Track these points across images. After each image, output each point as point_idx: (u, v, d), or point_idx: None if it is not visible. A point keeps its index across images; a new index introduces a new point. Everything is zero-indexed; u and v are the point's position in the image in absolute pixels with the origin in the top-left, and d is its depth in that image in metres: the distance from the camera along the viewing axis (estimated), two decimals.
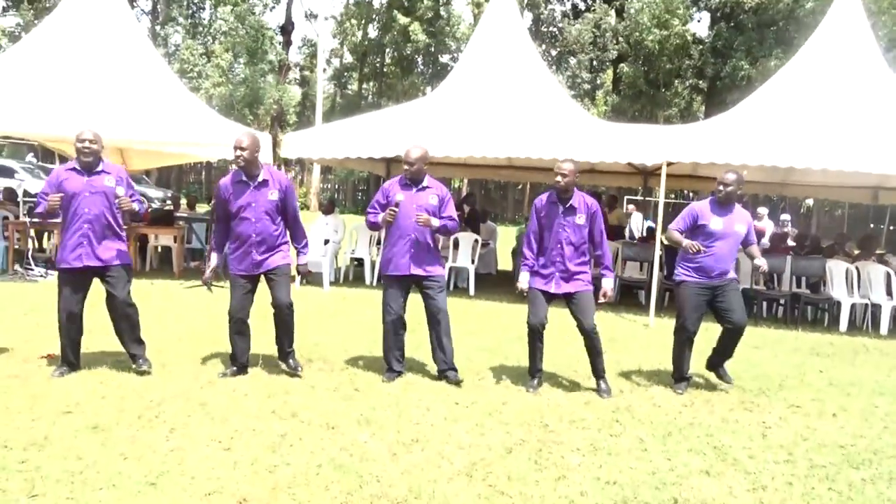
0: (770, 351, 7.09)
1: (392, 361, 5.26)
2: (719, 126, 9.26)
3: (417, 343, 5.49)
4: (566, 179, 4.96)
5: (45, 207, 4.73)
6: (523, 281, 5.15)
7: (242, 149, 4.85)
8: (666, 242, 6.89)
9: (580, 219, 5.03)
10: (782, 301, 9.55)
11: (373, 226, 5.32)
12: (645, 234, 12.24)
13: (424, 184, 5.19)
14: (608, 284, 5.15)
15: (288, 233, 5.16)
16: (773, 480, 3.70)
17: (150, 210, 11.19)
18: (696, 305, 5.29)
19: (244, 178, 4.94)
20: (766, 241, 11.73)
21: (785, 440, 4.36)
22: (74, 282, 4.82)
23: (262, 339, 5.34)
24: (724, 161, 8.18)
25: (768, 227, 13.42)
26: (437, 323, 5.22)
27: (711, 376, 5.74)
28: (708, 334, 5.61)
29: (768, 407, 5.06)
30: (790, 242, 11.51)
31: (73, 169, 4.83)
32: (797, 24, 28.87)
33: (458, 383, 5.14)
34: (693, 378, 5.53)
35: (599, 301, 5.11)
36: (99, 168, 4.85)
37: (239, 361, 5.11)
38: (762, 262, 5.29)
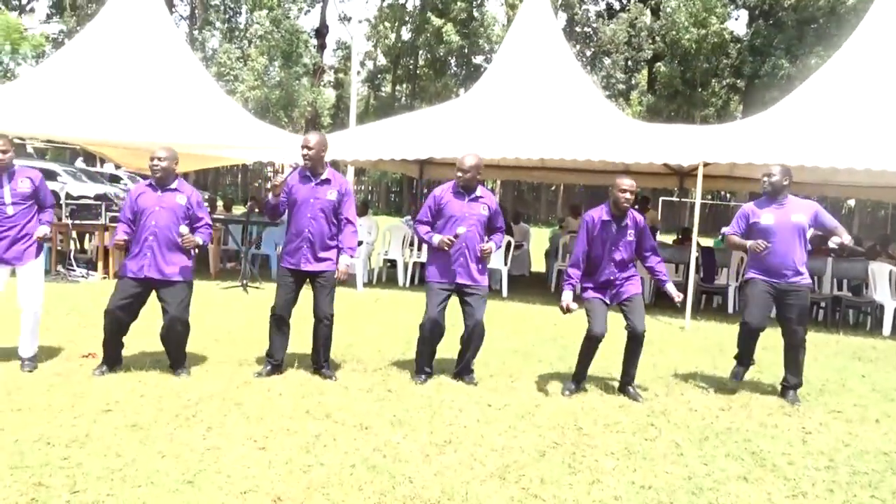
0: (810, 355, 6.87)
1: (424, 364, 5.25)
2: (757, 126, 9.11)
3: (451, 345, 5.49)
4: (633, 197, 4.86)
5: (114, 244, 4.97)
6: (567, 298, 4.93)
7: (309, 148, 4.95)
8: (713, 245, 6.76)
9: (630, 235, 4.96)
10: (823, 304, 9.35)
11: (425, 242, 5.28)
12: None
13: (478, 193, 5.16)
14: (672, 289, 5.01)
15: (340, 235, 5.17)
16: (813, 487, 3.63)
17: None
18: (761, 301, 5.16)
19: (308, 174, 5.03)
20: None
21: (826, 446, 4.26)
22: (131, 290, 4.88)
23: (298, 339, 5.38)
24: (762, 161, 8.02)
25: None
26: (471, 333, 5.17)
27: (749, 382, 5.64)
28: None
29: (808, 412, 4.96)
30: (831, 244, 11.25)
31: (150, 185, 4.98)
32: (838, 21, 28.30)
33: (474, 384, 5.17)
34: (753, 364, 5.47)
35: (676, 302, 5.07)
36: (173, 186, 4.96)
37: (275, 358, 5.15)
38: (842, 239, 5.10)
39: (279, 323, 5.12)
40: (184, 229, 4.88)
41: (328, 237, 5.05)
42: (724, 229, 5.41)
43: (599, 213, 4.97)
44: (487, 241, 5.20)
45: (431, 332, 5.15)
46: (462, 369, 5.29)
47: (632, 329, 4.94)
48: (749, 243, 5.10)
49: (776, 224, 5.09)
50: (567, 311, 4.88)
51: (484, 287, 5.20)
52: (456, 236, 4.98)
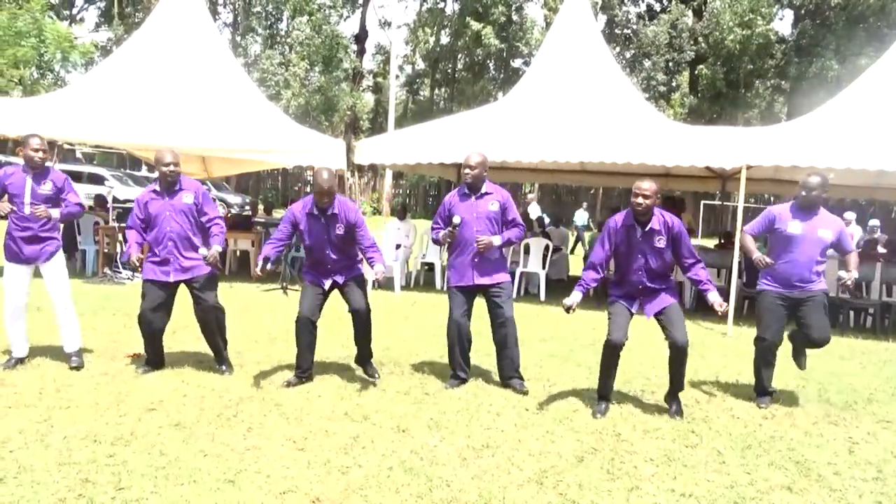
0: (857, 363, 6.75)
1: (456, 368, 5.22)
2: (803, 127, 8.90)
3: (487, 350, 5.48)
4: (648, 202, 4.47)
5: (127, 257, 4.99)
6: (573, 300, 4.55)
7: (331, 194, 4.85)
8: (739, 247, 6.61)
9: (660, 241, 4.58)
10: (871, 310, 9.09)
11: (436, 242, 5.33)
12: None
13: (484, 190, 5.11)
14: (716, 298, 4.52)
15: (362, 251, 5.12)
16: (860, 499, 3.53)
17: (229, 216, 11.55)
18: (776, 316, 4.99)
19: (315, 212, 4.93)
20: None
21: (874, 457, 4.14)
22: (159, 293, 4.98)
23: (335, 342, 5.43)
24: (807, 164, 7.85)
25: (856, 232, 12.82)
26: (503, 331, 5.15)
27: (793, 389, 5.52)
28: (788, 349, 5.38)
29: (855, 421, 4.82)
30: (880, 249, 10.96)
31: (154, 191, 5.03)
32: (888, 21, 27.55)
33: (524, 392, 5.06)
34: (776, 392, 5.24)
35: (718, 313, 4.49)
36: (177, 188, 5.02)
37: (303, 369, 5.04)
38: (846, 276, 4.91)
39: (308, 328, 4.96)
40: (203, 251, 4.96)
41: (349, 260, 5.06)
42: (745, 227, 5.20)
43: (622, 217, 4.67)
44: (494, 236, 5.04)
45: (457, 335, 5.13)
46: (510, 375, 5.21)
47: (672, 342, 4.59)
48: (755, 256, 4.91)
49: (801, 235, 4.90)
50: (569, 310, 4.57)
51: (506, 283, 5.15)
52: (455, 227, 4.98)
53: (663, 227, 4.60)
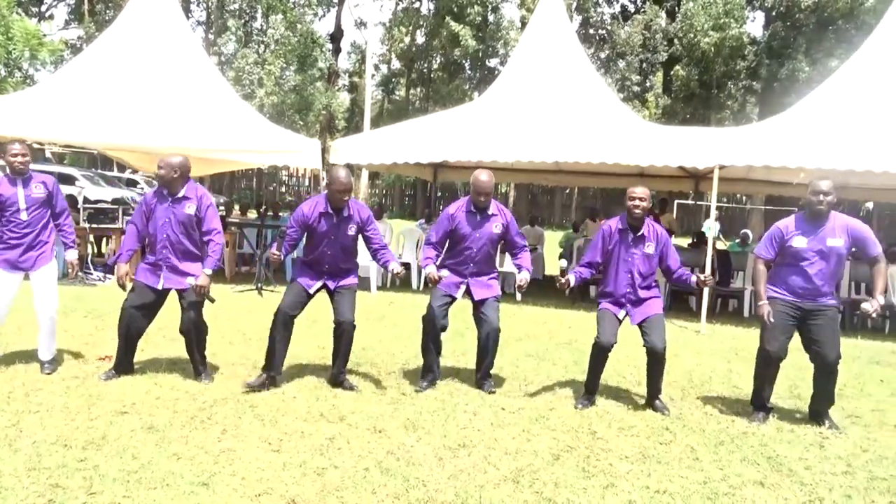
0: None
1: (426, 369, 5.18)
2: (774, 128, 9.03)
3: (464, 349, 5.49)
4: (645, 203, 4.72)
5: (114, 262, 4.88)
6: (570, 279, 4.87)
7: (350, 191, 4.85)
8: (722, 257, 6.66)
9: (649, 248, 4.80)
10: (840, 307, 9.24)
11: (423, 266, 5.19)
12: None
13: (490, 211, 5.11)
14: (698, 276, 4.91)
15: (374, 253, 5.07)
16: (830, 493, 3.59)
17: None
18: (782, 327, 4.63)
19: (330, 210, 4.86)
20: None
21: (843, 451, 4.22)
22: (147, 295, 4.87)
23: (309, 342, 5.39)
24: (779, 164, 7.98)
25: None
26: (488, 339, 5.10)
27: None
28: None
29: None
30: (863, 307, 11.16)
31: (160, 192, 4.90)
32: (857, 23, 28.07)
33: (491, 393, 5.06)
34: (773, 410, 4.93)
35: (704, 280, 4.85)
36: (181, 194, 4.85)
37: (273, 368, 4.90)
38: (870, 308, 4.56)
39: (285, 322, 4.85)
40: (190, 280, 4.86)
41: (347, 263, 5.00)
42: (756, 250, 4.89)
43: (617, 222, 4.88)
44: (520, 273, 5.10)
45: (430, 323, 5.06)
46: (482, 377, 5.23)
47: (651, 347, 4.75)
48: (763, 308, 4.63)
49: (809, 247, 4.57)
50: (562, 274, 4.90)
51: (497, 296, 5.18)
52: (440, 279, 4.99)
53: (653, 234, 4.84)
